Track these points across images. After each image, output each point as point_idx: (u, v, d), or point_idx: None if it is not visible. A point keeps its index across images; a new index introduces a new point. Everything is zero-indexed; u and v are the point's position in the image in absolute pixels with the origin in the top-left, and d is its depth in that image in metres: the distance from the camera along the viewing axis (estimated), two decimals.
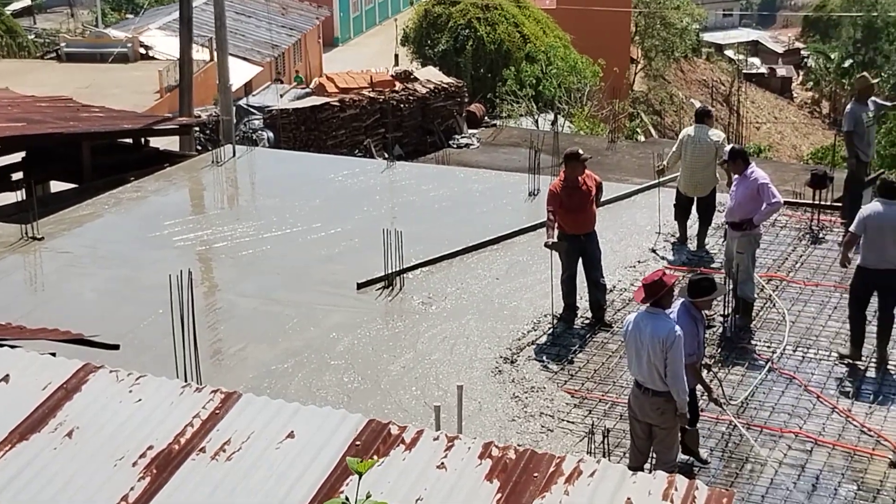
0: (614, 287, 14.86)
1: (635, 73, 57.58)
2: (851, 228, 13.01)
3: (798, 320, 14.08)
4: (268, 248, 16.70)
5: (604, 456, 10.50)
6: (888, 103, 17.32)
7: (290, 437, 7.25)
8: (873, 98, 17.15)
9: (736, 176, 13.85)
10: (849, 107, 17.10)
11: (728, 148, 14.13)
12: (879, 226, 12.53)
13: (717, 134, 15.92)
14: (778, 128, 65.41)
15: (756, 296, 14.06)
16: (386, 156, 22.55)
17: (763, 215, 13.60)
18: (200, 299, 14.06)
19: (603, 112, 35.32)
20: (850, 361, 12.88)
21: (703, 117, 16.08)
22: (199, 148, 23.89)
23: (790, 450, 11.22)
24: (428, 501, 6.77)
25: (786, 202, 18.17)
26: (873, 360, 12.88)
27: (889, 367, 12.79)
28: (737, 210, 13.62)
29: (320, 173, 20.54)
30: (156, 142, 22.39)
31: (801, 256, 16.08)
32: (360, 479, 4.98)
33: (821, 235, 16.74)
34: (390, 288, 15.06)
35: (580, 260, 13.91)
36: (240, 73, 36.11)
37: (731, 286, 13.39)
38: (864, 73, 18.98)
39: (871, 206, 12.78)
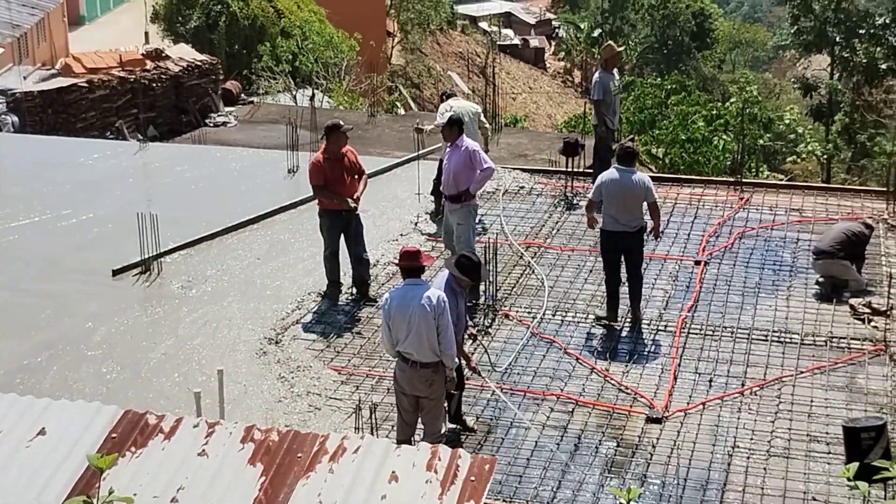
0: (378, 261, 14.86)
1: (392, 47, 57.82)
2: (590, 195, 13.45)
3: (556, 285, 14.43)
4: (15, 238, 15.97)
5: (372, 431, 10.51)
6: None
7: (41, 435, 6.98)
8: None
9: (448, 147, 13.97)
10: (597, 75, 17.57)
11: (448, 115, 14.22)
12: (614, 191, 12.98)
13: (475, 105, 16.47)
14: (533, 98, 66.97)
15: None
16: (140, 137, 21.87)
17: (478, 183, 13.74)
18: None
19: (361, 86, 35.31)
20: (607, 323, 13.29)
21: (449, 97, 16.45)
22: None
23: (553, 412, 11.49)
24: (190, 490, 6.64)
25: (541, 170, 18.66)
26: (628, 319, 13.33)
27: (643, 325, 13.26)
28: (452, 182, 13.66)
29: (70, 157, 19.77)
30: None
31: (556, 223, 16.48)
32: (101, 474, 4.82)
33: (575, 202, 17.19)
34: (148, 273, 14.64)
35: (342, 236, 13.85)
36: None
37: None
38: (610, 42, 19.52)
39: (608, 173, 13.23)
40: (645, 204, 13.10)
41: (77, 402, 7.41)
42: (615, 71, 17.49)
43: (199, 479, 6.72)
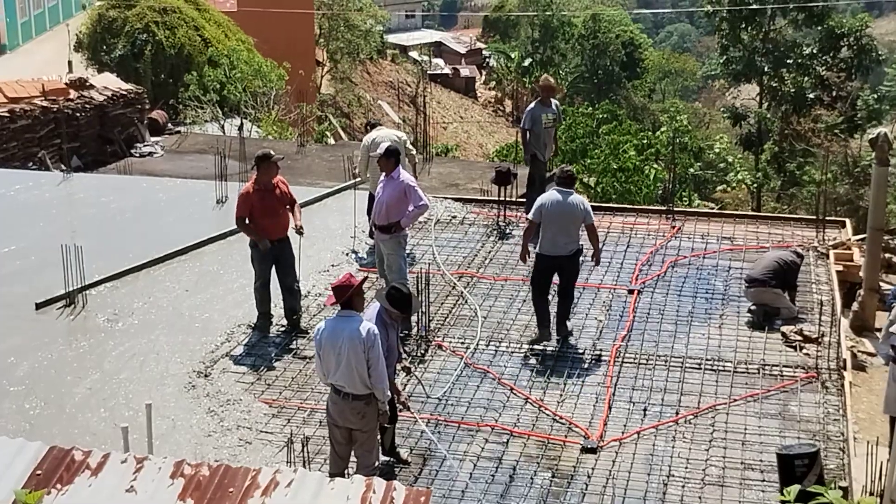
0: (309, 292, 14.68)
1: (322, 76, 57.77)
2: (529, 216, 13.45)
3: (489, 315, 14.34)
4: None
5: (304, 464, 10.32)
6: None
7: None
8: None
9: (383, 177, 13.86)
10: (531, 106, 17.58)
11: (385, 145, 14.10)
12: (554, 212, 12.99)
13: (400, 132, 16.36)
14: (464, 127, 67.28)
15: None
16: (63, 168, 21.48)
17: (410, 218, 13.70)
18: None
19: (291, 116, 35.12)
20: (541, 346, 13.22)
21: (374, 126, 16.37)
22: None
23: (487, 443, 11.38)
24: None
25: (473, 200, 18.63)
26: (561, 348, 13.28)
27: (577, 354, 13.22)
28: (384, 213, 13.57)
29: None
30: None
31: (489, 252, 16.43)
32: None
33: (507, 231, 17.17)
34: (72, 306, 14.30)
35: (273, 266, 13.65)
36: None
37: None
38: (546, 76, 19.44)
39: (549, 195, 13.23)
40: (583, 226, 13.13)
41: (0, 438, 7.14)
42: (553, 103, 17.37)
43: None
